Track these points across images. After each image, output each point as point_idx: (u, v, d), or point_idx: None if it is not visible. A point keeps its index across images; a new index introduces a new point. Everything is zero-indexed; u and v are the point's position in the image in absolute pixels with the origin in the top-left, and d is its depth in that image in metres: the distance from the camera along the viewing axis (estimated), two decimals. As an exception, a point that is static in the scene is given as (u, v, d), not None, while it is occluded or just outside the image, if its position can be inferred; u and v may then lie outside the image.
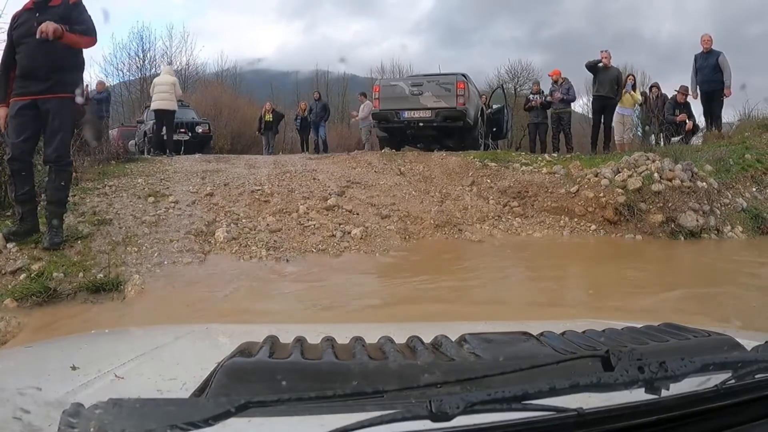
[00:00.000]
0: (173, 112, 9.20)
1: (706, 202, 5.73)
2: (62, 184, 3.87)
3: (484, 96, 11.21)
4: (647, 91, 10.08)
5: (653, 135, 8.64)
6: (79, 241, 4.23)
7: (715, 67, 7.83)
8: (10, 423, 0.44)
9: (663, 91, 9.44)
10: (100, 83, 10.91)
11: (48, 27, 3.47)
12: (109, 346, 1.08)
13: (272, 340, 0.63)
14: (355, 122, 13.26)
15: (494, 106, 11.19)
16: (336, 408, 0.45)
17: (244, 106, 18.50)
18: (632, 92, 9.14)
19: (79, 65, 3.92)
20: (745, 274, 4.26)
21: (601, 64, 8.30)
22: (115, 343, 1.14)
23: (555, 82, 9.35)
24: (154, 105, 9.12)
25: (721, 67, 7.80)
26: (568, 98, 9.20)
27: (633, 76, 9.86)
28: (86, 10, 3.80)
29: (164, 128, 9.27)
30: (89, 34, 3.80)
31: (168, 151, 8.92)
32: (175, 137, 10.97)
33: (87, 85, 10.32)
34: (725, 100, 8.08)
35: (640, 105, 9.29)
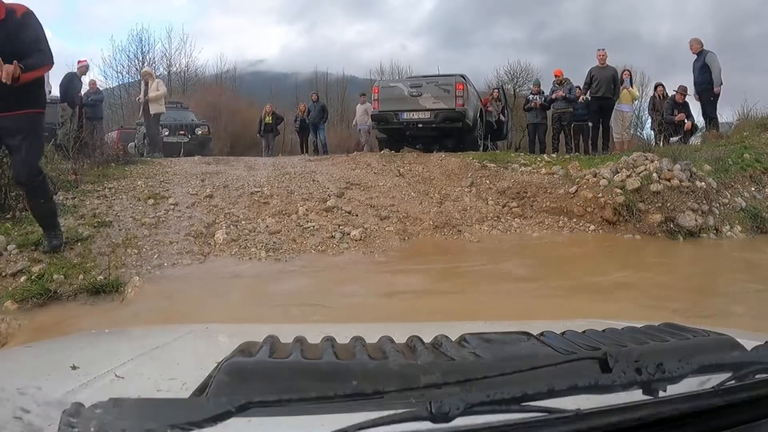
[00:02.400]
0: None
1: (704, 201, 5.73)
2: (41, 201, 3.68)
3: (498, 100, 11.16)
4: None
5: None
6: (79, 243, 4.23)
7: (703, 68, 7.86)
8: (10, 423, 0.44)
9: (668, 92, 9.40)
10: (92, 83, 10.76)
11: (6, 74, 3.14)
12: (109, 346, 1.08)
13: (272, 340, 0.63)
14: (355, 123, 13.29)
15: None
16: (336, 408, 0.45)
17: (243, 108, 18.51)
18: (630, 88, 9.12)
19: (40, 81, 3.63)
20: (743, 273, 4.26)
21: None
22: (115, 343, 1.14)
23: (560, 83, 9.34)
24: (160, 108, 9.09)
25: (709, 65, 7.82)
26: (571, 97, 9.20)
27: (629, 71, 9.82)
28: (39, 27, 3.43)
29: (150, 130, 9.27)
30: (43, 64, 3.45)
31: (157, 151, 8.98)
32: (175, 139, 10.99)
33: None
34: (721, 100, 8.12)
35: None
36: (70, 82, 8.80)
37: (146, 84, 9.17)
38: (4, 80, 3.14)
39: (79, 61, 9.26)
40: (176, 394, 0.60)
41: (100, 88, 11.67)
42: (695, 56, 8.06)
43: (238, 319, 3.09)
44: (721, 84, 7.93)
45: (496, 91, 11.56)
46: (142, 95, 9.19)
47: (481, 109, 9.88)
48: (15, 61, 3.14)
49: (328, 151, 12.24)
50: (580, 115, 9.12)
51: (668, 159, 6.05)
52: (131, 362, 0.78)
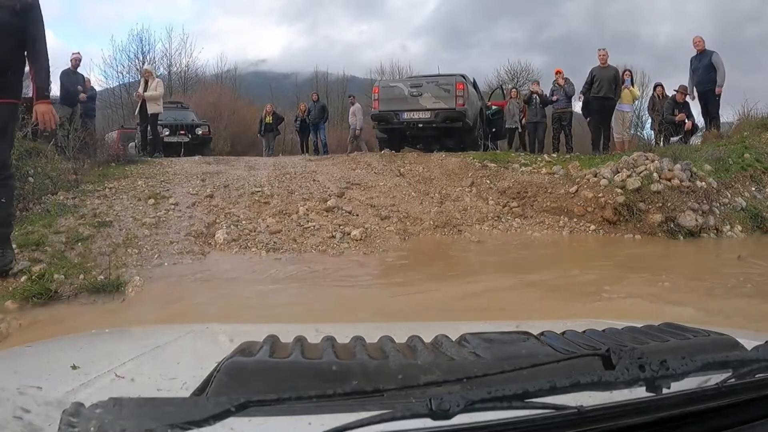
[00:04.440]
0: None
1: (705, 201, 5.73)
2: (2, 201, 3.37)
3: (520, 100, 11.07)
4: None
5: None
6: (79, 243, 4.23)
7: (709, 67, 7.84)
8: (10, 422, 0.44)
9: (667, 92, 9.37)
10: (86, 81, 10.68)
11: (49, 122, 3.27)
12: (110, 346, 1.08)
13: (272, 340, 0.63)
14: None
15: (493, 107, 11.19)
16: (336, 407, 0.45)
17: (243, 108, 18.50)
18: (631, 88, 9.11)
19: (21, 68, 3.38)
20: (742, 273, 4.26)
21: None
22: (116, 343, 1.14)
23: (562, 82, 9.32)
24: (158, 108, 9.08)
25: (715, 65, 7.81)
26: (570, 92, 9.20)
27: (629, 71, 9.79)
28: (42, 17, 3.29)
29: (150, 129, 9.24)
30: (47, 68, 3.30)
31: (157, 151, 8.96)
32: (175, 139, 10.98)
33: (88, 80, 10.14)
34: (722, 100, 8.09)
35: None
36: (67, 79, 8.76)
37: (146, 82, 9.15)
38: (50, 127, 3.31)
39: (72, 54, 9.22)
40: (177, 393, 0.60)
41: (95, 87, 11.53)
42: (697, 54, 8.03)
43: (238, 319, 3.09)
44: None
45: (514, 90, 11.43)
46: (140, 90, 9.16)
47: (481, 108, 9.85)
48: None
49: (328, 151, 12.24)
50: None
51: (668, 159, 6.05)
52: (131, 362, 0.78)
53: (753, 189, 6.60)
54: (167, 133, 10.95)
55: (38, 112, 3.26)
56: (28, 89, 3.65)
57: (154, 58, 23.71)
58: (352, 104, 12.96)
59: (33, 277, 3.57)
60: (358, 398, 0.45)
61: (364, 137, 12.76)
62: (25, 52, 3.30)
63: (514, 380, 0.46)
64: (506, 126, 10.50)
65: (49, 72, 3.37)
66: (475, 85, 10.43)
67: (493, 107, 11.06)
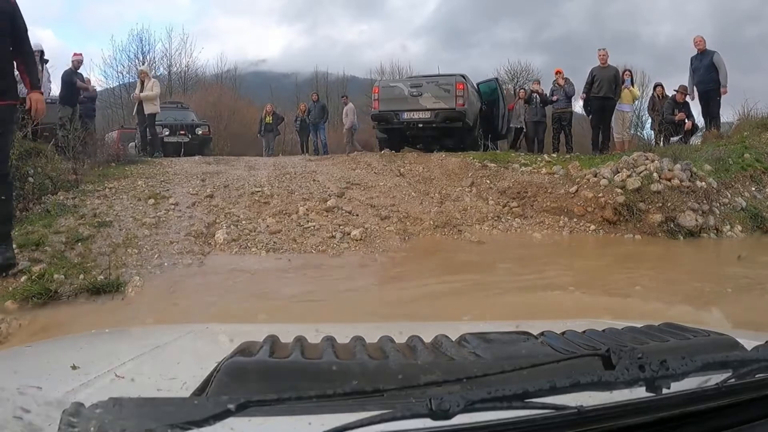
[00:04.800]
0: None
1: (705, 201, 5.73)
2: (2, 198, 3.45)
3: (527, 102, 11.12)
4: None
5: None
6: (79, 243, 4.23)
7: (710, 67, 7.82)
8: (10, 422, 0.44)
9: (667, 92, 9.34)
10: (86, 80, 10.61)
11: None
12: (110, 346, 1.08)
13: (272, 340, 0.63)
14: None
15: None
16: (336, 407, 0.45)
17: (243, 108, 18.50)
18: (631, 88, 9.10)
19: (12, 71, 3.54)
20: (740, 273, 4.26)
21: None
22: (116, 343, 1.14)
23: (562, 82, 9.31)
24: (155, 108, 9.06)
25: (716, 65, 7.80)
26: (570, 92, 9.20)
27: (629, 71, 9.78)
28: (23, 16, 3.47)
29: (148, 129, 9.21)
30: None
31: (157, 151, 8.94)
32: (175, 139, 10.96)
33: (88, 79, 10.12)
34: (722, 100, 8.08)
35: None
36: (70, 79, 8.75)
37: (142, 83, 9.15)
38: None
39: (74, 54, 9.20)
40: (177, 393, 0.60)
41: (95, 87, 11.49)
42: (697, 53, 8.02)
43: (238, 319, 3.09)
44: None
45: (522, 91, 11.44)
46: (137, 92, 9.15)
47: (480, 108, 9.85)
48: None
49: (328, 151, 12.24)
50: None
51: (668, 159, 6.05)
52: (131, 362, 0.78)
53: (753, 189, 6.60)
54: (167, 133, 10.94)
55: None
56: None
57: (154, 58, 23.74)
58: (345, 104, 13.00)
59: (33, 277, 3.57)
60: (358, 398, 0.45)
61: (358, 138, 12.81)
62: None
63: (514, 380, 0.46)
64: (510, 125, 10.52)
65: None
66: (497, 82, 10.74)
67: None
